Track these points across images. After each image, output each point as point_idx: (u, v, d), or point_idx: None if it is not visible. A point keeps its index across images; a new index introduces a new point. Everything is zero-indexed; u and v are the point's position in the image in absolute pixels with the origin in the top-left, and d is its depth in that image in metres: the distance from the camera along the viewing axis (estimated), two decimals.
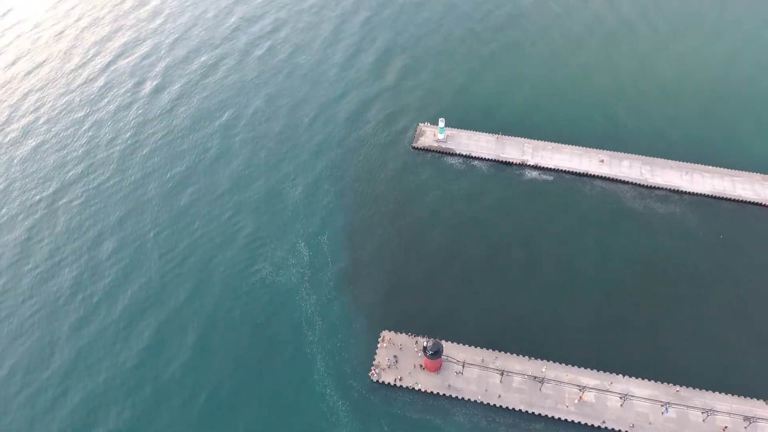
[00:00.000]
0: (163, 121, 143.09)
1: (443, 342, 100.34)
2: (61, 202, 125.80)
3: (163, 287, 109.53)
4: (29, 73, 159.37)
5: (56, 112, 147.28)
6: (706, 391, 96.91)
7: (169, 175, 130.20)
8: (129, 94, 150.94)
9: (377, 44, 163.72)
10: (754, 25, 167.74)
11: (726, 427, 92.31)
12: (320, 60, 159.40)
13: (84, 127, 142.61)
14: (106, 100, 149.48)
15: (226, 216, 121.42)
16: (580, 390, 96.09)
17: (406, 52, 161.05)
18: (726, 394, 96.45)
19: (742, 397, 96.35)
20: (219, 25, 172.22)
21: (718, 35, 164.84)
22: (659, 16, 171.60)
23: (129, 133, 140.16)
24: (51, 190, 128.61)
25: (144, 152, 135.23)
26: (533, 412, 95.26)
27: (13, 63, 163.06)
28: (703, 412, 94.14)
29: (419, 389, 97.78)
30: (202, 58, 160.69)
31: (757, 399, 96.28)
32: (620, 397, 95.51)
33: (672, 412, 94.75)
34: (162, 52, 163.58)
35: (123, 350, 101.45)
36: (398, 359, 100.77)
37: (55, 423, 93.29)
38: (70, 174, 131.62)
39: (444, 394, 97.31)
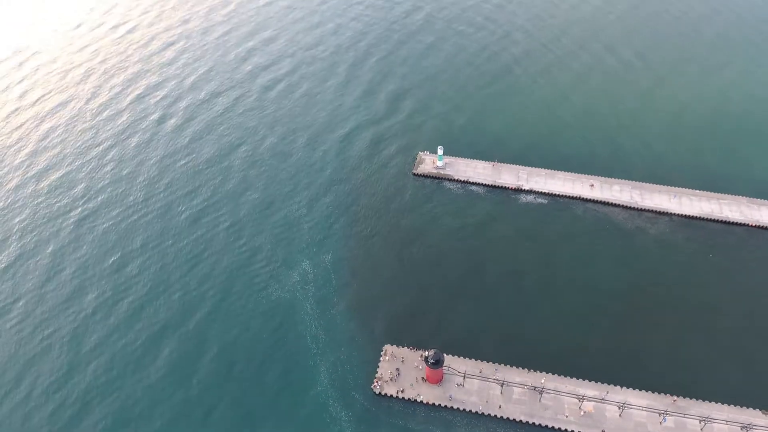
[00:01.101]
0: (183, 154, 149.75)
1: (444, 355, 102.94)
2: (85, 227, 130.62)
3: (182, 307, 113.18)
4: (54, 109, 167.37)
5: (80, 144, 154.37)
6: (703, 401, 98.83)
7: (187, 204, 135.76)
8: (151, 129, 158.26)
9: (383, 84, 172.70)
10: (740, 66, 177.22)
11: None
12: (329, 98, 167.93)
13: (107, 158, 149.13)
14: (128, 134, 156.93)
15: (240, 240, 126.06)
16: (579, 400, 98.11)
17: (410, 91, 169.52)
18: (722, 404, 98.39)
19: (738, 406, 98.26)
20: (237, 66, 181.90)
21: (707, 74, 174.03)
22: (650, 56, 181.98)
23: (150, 166, 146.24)
24: (75, 217, 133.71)
25: (164, 182, 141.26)
26: (534, 423, 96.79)
27: (39, 100, 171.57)
28: (700, 421, 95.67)
29: (421, 401, 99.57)
30: (221, 97, 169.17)
31: (753, 408, 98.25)
32: (618, 407, 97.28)
33: (670, 422, 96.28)
34: (183, 90, 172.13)
35: (141, 367, 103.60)
36: (400, 372, 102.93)
37: None
38: (94, 201, 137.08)
39: (445, 406, 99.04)
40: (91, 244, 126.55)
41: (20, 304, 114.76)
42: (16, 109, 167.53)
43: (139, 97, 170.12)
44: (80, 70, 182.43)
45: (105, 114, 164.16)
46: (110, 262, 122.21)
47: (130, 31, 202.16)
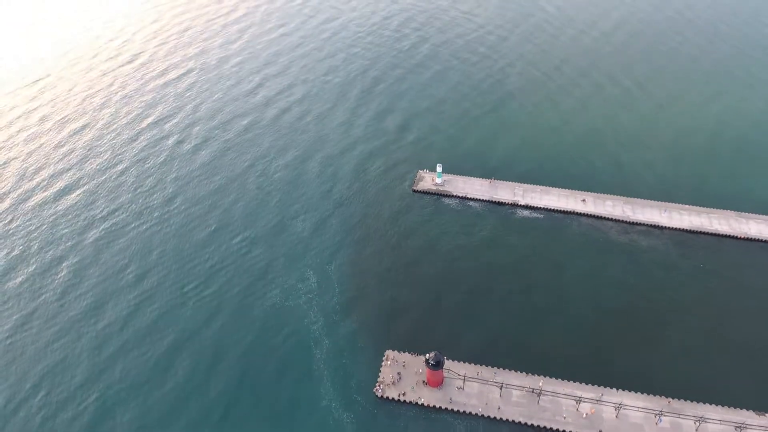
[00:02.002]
0: (196, 174, 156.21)
1: (444, 358, 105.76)
2: (102, 243, 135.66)
3: (196, 317, 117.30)
4: (75, 132, 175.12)
5: (97, 165, 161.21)
6: (697, 403, 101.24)
7: (194, 214, 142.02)
8: (166, 151, 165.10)
9: (385, 108, 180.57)
10: (730, 93, 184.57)
11: None
12: (336, 120, 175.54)
13: (124, 177, 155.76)
14: (143, 156, 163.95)
15: (249, 254, 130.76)
16: (576, 402, 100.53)
17: (412, 116, 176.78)
18: (716, 405, 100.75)
19: (732, 408, 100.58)
20: (249, 94, 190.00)
21: (699, 100, 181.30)
22: (645, 83, 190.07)
23: (165, 185, 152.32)
24: (83, 224, 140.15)
25: (177, 200, 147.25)
26: (532, 424, 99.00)
27: (61, 124, 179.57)
28: (695, 422, 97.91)
29: (422, 403, 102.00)
30: (233, 122, 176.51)
31: (747, 410, 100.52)
32: (615, 408, 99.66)
33: (666, 422, 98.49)
34: (197, 116, 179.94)
35: (156, 375, 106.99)
36: (402, 376, 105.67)
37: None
38: (111, 219, 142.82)
39: (446, 408, 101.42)
40: (108, 258, 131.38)
41: (38, 314, 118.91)
42: (38, 132, 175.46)
43: (155, 122, 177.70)
44: (98, 97, 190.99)
45: (123, 137, 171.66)
46: (127, 275, 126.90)
47: (145, 62, 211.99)
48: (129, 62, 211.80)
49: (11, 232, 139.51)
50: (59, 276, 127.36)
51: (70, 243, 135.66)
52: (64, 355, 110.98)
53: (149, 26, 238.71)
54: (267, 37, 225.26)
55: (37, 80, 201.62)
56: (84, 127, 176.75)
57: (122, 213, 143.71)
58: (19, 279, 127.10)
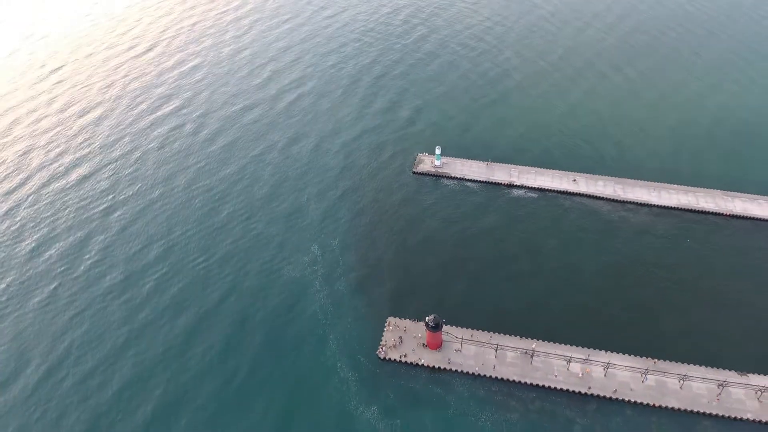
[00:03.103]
0: (205, 154, 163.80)
1: (443, 323, 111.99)
2: (117, 220, 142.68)
3: (210, 287, 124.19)
4: (82, 115, 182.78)
5: (111, 150, 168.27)
6: (682, 363, 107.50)
7: (210, 196, 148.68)
8: (178, 136, 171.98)
9: (386, 94, 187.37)
10: (724, 84, 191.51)
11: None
12: (339, 106, 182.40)
13: (143, 162, 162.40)
14: (153, 135, 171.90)
15: (258, 230, 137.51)
16: (567, 362, 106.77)
17: (411, 100, 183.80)
18: (700, 366, 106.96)
19: (715, 368, 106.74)
20: (258, 83, 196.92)
21: (684, 85, 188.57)
22: (632, 70, 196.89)
23: (178, 167, 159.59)
24: (105, 206, 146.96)
25: (188, 177, 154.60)
26: (526, 382, 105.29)
27: (66, 107, 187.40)
28: (680, 380, 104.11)
29: (422, 364, 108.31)
30: (239, 105, 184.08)
31: (729, 370, 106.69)
32: (603, 368, 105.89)
33: (651, 380, 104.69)
34: (210, 104, 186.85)
35: (173, 342, 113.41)
36: (403, 340, 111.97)
37: (104, 403, 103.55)
38: (125, 198, 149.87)
39: (445, 368, 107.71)
40: (122, 234, 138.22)
41: (61, 290, 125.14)
42: (59, 120, 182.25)
43: (170, 111, 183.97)
44: (114, 87, 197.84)
45: (140, 124, 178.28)
46: (140, 249, 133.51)
47: (157, 53, 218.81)
48: (143, 54, 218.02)
49: (38, 212, 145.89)
50: (86, 253, 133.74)
51: (95, 223, 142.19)
52: (93, 324, 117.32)
53: (161, 19, 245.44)
54: (276, 30, 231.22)
55: (54, 71, 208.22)
56: (101, 114, 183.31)
57: (143, 195, 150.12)
58: (48, 255, 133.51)
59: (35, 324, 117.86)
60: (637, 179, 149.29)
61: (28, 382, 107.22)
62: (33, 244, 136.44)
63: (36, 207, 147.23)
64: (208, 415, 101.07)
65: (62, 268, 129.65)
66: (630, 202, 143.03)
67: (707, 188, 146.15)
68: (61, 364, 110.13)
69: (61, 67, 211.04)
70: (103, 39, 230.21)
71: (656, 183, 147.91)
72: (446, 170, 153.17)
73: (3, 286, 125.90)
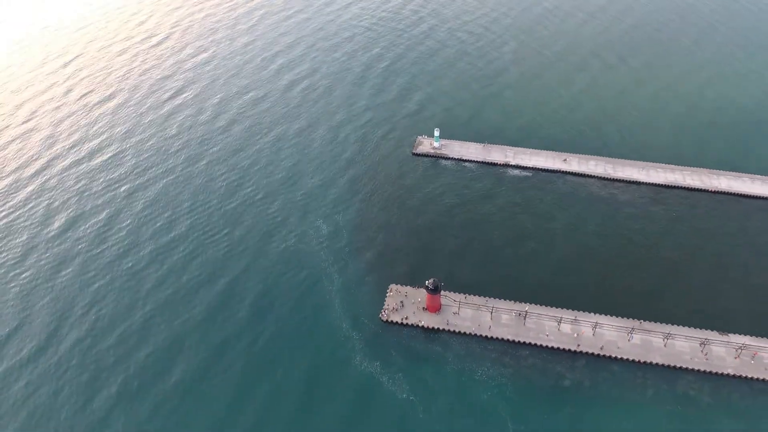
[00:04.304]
0: (221, 139, 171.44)
1: (442, 287, 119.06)
2: (137, 195, 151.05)
3: (221, 256, 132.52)
4: (101, 102, 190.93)
5: (130, 130, 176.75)
6: (666, 324, 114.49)
7: (227, 177, 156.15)
8: (191, 118, 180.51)
9: (391, 83, 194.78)
10: (706, 69, 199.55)
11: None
12: (345, 93, 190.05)
13: (152, 142, 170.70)
14: (170, 121, 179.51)
15: (271, 207, 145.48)
16: (558, 323, 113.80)
17: (414, 88, 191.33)
18: (683, 326, 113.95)
19: (698, 328, 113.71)
20: (264, 69, 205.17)
21: (678, 74, 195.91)
22: (632, 60, 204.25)
23: (192, 147, 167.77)
24: (127, 186, 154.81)
25: (205, 162, 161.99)
26: (519, 341, 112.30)
27: (86, 94, 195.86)
28: (664, 338, 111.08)
29: (422, 325, 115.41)
30: (251, 94, 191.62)
31: (711, 330, 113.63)
32: (592, 327, 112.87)
33: (637, 339, 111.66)
34: (217, 89, 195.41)
35: (194, 307, 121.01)
36: (404, 304, 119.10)
37: (136, 364, 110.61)
38: (144, 174, 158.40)
39: (443, 329, 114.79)
40: (143, 208, 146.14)
41: (90, 263, 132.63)
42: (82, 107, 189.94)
43: (178, 95, 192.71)
44: (128, 75, 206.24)
45: (150, 107, 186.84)
46: (164, 225, 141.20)
47: (165, 40, 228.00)
48: (156, 44, 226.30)
49: (65, 191, 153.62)
50: (99, 223, 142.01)
51: (108, 195, 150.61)
52: (107, 288, 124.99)
53: (173, 12, 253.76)
54: (285, 23, 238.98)
55: (69, 61, 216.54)
56: (119, 101, 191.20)
57: (163, 175, 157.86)
58: (75, 231, 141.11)
59: (65, 292, 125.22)
60: (627, 159, 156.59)
61: (62, 346, 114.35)
62: (61, 221, 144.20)
63: (63, 187, 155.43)
64: (231, 369, 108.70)
65: (87, 243, 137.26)
66: (620, 180, 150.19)
67: (692, 167, 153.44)
68: (93, 329, 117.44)
69: (76, 57, 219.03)
70: (117, 31, 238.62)
71: (645, 162, 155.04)
72: (445, 151, 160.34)
73: (33, 260, 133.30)
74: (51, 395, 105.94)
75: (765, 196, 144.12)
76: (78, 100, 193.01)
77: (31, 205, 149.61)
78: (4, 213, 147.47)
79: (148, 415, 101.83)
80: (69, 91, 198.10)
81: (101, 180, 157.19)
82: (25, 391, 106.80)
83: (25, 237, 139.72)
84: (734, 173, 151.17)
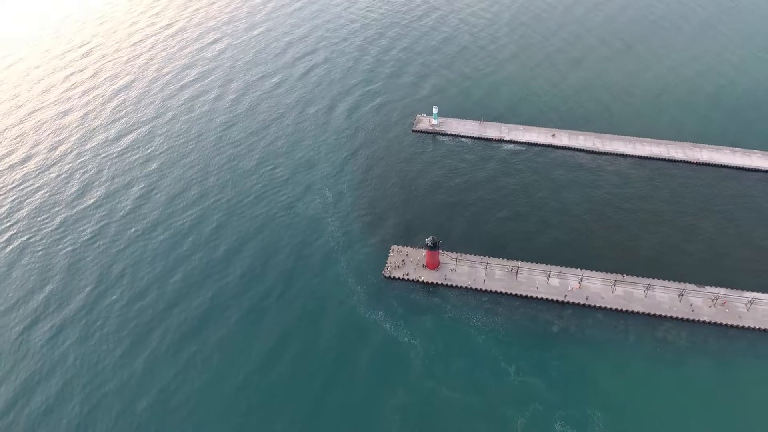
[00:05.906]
0: (232, 115, 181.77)
1: (440, 244, 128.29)
2: (154, 165, 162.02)
3: (243, 224, 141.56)
4: (122, 89, 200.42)
5: (145, 107, 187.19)
6: (647, 278, 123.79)
7: (238, 150, 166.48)
8: (209, 102, 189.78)
9: (392, 64, 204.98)
10: (696, 49, 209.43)
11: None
12: (348, 74, 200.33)
13: (166, 118, 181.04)
14: (190, 105, 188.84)
15: (280, 177, 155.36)
16: (547, 277, 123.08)
17: (414, 69, 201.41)
18: (663, 279, 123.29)
19: (676, 282, 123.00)
20: (277, 54, 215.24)
21: (672, 56, 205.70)
22: (618, 42, 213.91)
23: (204, 122, 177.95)
24: (144, 158, 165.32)
25: (217, 135, 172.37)
26: (511, 293, 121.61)
27: (112, 80, 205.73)
28: (644, 289, 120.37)
29: (422, 281, 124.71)
30: (260, 74, 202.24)
31: (689, 283, 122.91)
32: (578, 280, 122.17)
33: (620, 291, 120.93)
34: (233, 73, 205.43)
35: (219, 270, 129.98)
36: (405, 262, 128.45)
37: (155, 318, 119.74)
38: (161, 147, 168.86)
39: (442, 284, 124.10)
40: (169, 185, 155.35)
41: (111, 226, 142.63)
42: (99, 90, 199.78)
43: (196, 79, 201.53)
44: (141, 59, 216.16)
45: (169, 90, 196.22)
46: (180, 192, 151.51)
47: (181, 29, 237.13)
48: (166, 29, 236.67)
49: (83, 164, 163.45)
50: (130, 196, 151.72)
51: (136, 172, 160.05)
52: (139, 257, 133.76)
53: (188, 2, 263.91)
54: (290, 8, 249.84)
55: (83, 45, 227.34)
56: (132, 82, 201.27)
57: (178, 148, 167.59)
58: (95, 198, 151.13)
59: (89, 256, 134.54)
60: (615, 134, 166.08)
61: (84, 302, 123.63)
62: (81, 191, 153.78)
63: (81, 160, 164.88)
64: (253, 317, 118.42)
65: (108, 210, 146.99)
66: (607, 153, 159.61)
67: (677, 141, 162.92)
68: (114, 286, 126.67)
69: (88, 41, 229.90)
70: (126, 17, 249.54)
71: (631, 137, 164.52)
72: (443, 128, 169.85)
73: (54, 225, 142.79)
74: (91, 348, 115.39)
75: (738, 166, 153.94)
76: (105, 84, 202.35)
77: (54, 174, 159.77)
78: (40, 186, 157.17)
79: (184, 365, 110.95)
80: (95, 75, 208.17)
81: (118, 153, 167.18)
82: (74, 341, 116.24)
83: (62, 207, 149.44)
84: (716, 146, 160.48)
